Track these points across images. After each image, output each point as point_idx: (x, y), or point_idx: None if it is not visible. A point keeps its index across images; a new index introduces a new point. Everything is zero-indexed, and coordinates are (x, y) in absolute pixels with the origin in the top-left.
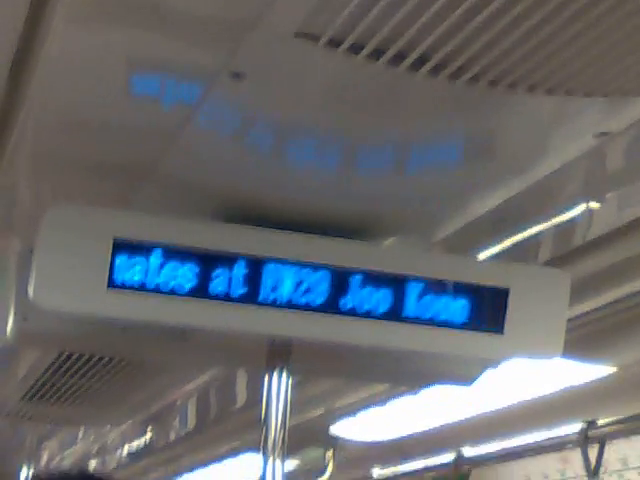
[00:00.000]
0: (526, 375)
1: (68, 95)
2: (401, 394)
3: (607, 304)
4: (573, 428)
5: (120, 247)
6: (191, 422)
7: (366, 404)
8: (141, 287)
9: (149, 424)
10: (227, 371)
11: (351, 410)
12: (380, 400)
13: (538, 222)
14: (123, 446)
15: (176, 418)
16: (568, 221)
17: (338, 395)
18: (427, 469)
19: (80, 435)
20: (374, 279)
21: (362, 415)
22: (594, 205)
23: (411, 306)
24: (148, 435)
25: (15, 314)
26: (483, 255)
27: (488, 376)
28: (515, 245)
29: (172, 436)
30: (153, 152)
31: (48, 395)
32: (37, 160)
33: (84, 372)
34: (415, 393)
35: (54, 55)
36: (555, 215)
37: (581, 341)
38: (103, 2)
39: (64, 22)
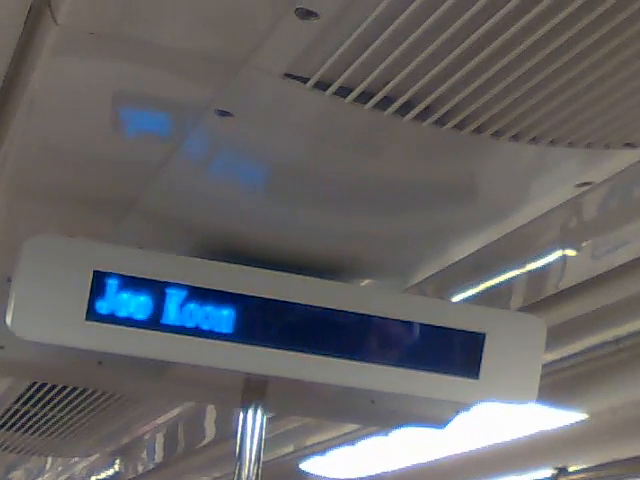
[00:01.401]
0: (498, 419)
1: (52, 127)
2: (371, 434)
3: (579, 352)
4: (544, 474)
5: (100, 279)
6: (159, 455)
7: (336, 443)
8: (119, 320)
9: (117, 457)
10: (197, 405)
11: (321, 448)
12: (350, 439)
13: (514, 268)
14: (90, 478)
15: (144, 451)
16: (543, 268)
17: (309, 433)
18: None
19: (48, 465)
20: (351, 320)
21: (332, 454)
22: (570, 253)
23: (388, 348)
24: (116, 467)
25: None
26: (458, 299)
27: (460, 419)
28: (490, 290)
29: (140, 469)
30: (136, 186)
31: (18, 425)
32: (18, 189)
33: (55, 403)
34: (386, 434)
35: (40, 87)
36: (531, 262)
37: (553, 388)
38: (91, 36)
39: (51, 55)
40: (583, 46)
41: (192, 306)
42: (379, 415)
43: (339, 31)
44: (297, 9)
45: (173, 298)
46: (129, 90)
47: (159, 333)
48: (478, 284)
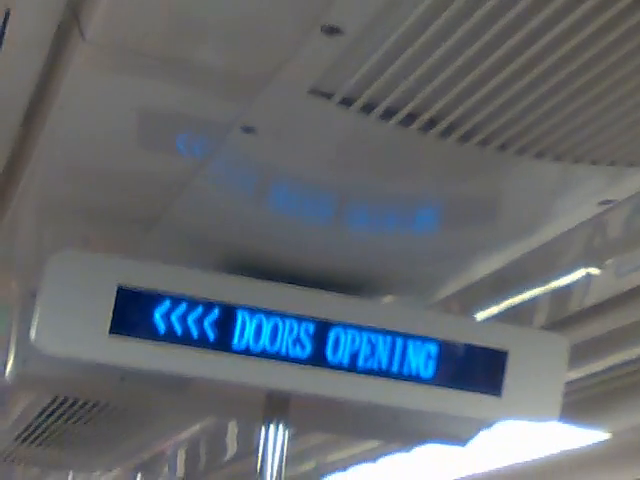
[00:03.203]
0: (520, 438)
1: (78, 143)
2: (393, 451)
3: (603, 370)
4: None
5: (124, 294)
6: (180, 471)
7: (358, 460)
8: (143, 335)
9: (139, 472)
10: (219, 421)
11: (342, 465)
12: (372, 456)
13: (537, 286)
14: None
15: (165, 467)
16: (567, 286)
17: (330, 449)
18: None
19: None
20: (374, 336)
21: (353, 470)
22: (593, 271)
23: (409, 365)
24: None
25: (15, 357)
26: (481, 317)
27: (483, 437)
28: (513, 308)
29: None
30: (160, 202)
31: (41, 438)
32: (44, 205)
33: (78, 417)
34: (407, 450)
35: (67, 103)
36: (554, 280)
37: (576, 406)
38: (118, 52)
39: (78, 70)
40: (605, 65)
41: (215, 321)
42: (401, 432)
43: (364, 48)
44: (322, 26)
45: (196, 313)
46: (154, 106)
47: (182, 348)
48: (501, 302)
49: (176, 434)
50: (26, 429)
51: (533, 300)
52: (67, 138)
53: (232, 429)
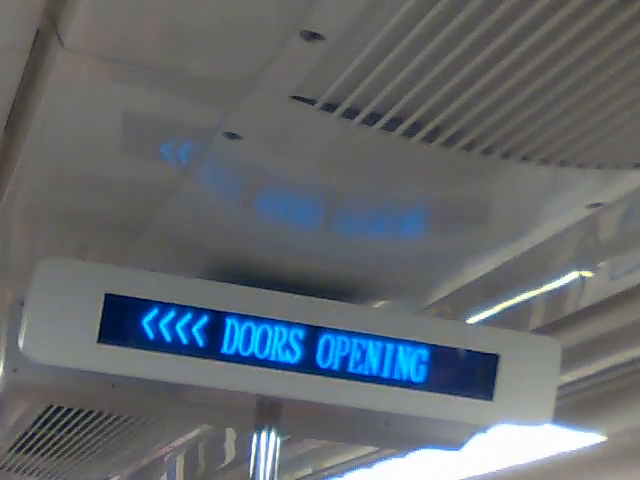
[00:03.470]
0: (516, 441)
1: (64, 150)
2: (389, 457)
3: (597, 373)
4: None
5: (111, 302)
6: (178, 478)
7: (354, 465)
8: (131, 343)
9: (135, 479)
10: (214, 428)
11: (339, 471)
12: (368, 462)
13: (530, 289)
14: None
15: (163, 474)
16: (560, 289)
17: (327, 455)
18: None
19: None
20: (364, 342)
21: (350, 476)
22: (586, 274)
23: (400, 370)
24: None
25: (5, 365)
26: (473, 320)
27: (480, 441)
28: (506, 311)
29: None
30: (147, 208)
31: (36, 447)
32: (31, 213)
33: (72, 425)
34: (403, 456)
35: (49, 111)
36: (547, 283)
37: (572, 409)
38: (99, 60)
39: (59, 78)
40: (589, 67)
41: (204, 328)
42: (393, 437)
43: (345, 53)
44: (302, 31)
45: (185, 320)
46: (137, 114)
47: (171, 355)
48: (494, 305)
49: (172, 441)
50: (21, 438)
51: (525, 303)
52: (51, 145)
53: (230, 435)
